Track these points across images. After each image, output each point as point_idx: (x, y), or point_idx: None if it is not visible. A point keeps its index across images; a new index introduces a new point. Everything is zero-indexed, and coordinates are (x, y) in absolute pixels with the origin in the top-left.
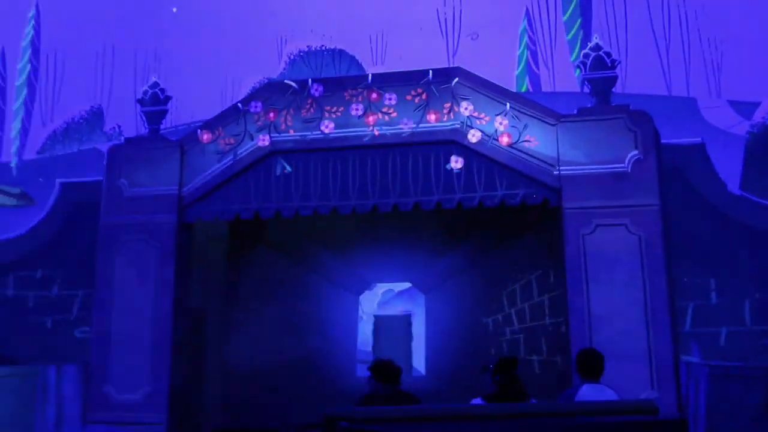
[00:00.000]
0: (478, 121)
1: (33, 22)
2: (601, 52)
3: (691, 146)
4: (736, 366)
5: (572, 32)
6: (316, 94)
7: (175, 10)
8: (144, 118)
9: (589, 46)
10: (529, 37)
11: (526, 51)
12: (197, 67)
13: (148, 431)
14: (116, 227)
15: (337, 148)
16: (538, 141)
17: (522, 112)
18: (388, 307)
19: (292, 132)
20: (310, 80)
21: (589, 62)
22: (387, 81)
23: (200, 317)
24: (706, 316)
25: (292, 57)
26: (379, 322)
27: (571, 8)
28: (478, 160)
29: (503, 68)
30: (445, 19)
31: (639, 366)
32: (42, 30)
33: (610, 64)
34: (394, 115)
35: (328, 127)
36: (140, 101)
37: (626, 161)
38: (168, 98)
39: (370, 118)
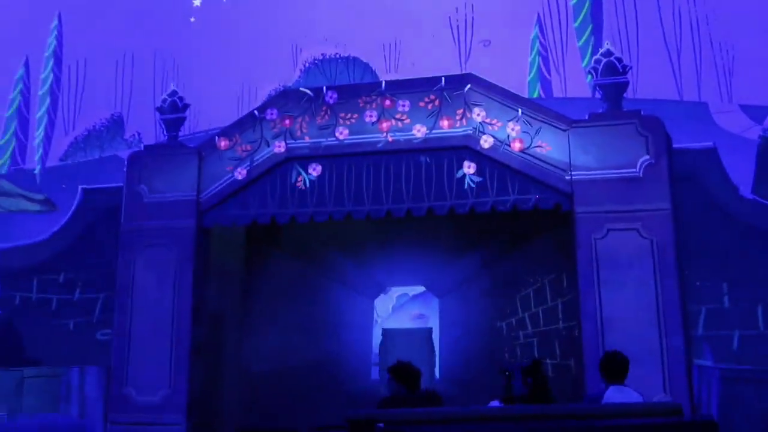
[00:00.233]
0: (490, 127)
1: (55, 32)
2: (612, 58)
3: (702, 150)
4: (748, 369)
5: (583, 38)
6: (331, 102)
7: (193, 20)
8: (163, 126)
9: (600, 52)
10: (541, 43)
11: (537, 57)
12: (214, 75)
13: None
14: (136, 232)
15: (351, 154)
16: (550, 146)
17: (534, 118)
18: (401, 313)
19: (307, 138)
20: (324, 88)
21: (600, 68)
22: (400, 88)
23: (218, 320)
24: (718, 320)
25: (306, 65)
26: (391, 337)
27: (582, 15)
28: (490, 166)
29: (515, 74)
30: (458, 27)
31: (651, 369)
32: (64, 41)
33: (621, 70)
34: (408, 121)
35: (342, 133)
36: (159, 109)
37: (638, 166)
38: (186, 106)
39: (384, 125)
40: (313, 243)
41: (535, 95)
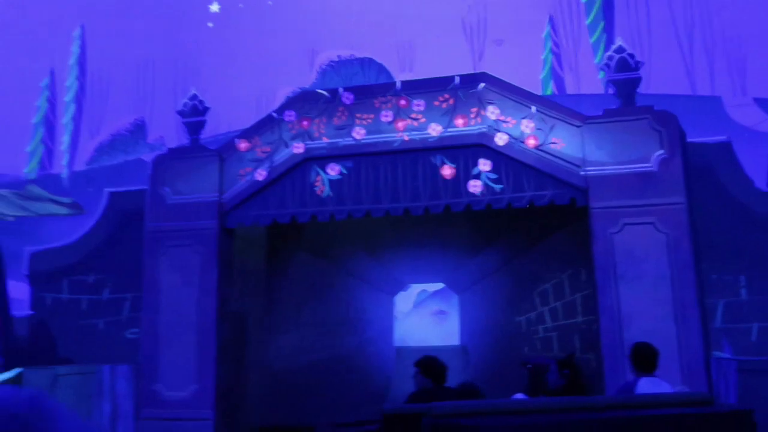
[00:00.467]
0: (504, 125)
1: (79, 41)
2: (624, 54)
3: (717, 144)
4: (766, 360)
5: (596, 35)
6: (347, 102)
7: (211, 25)
8: (185, 129)
9: (612, 48)
10: (553, 41)
11: (550, 55)
12: (233, 78)
13: (197, 426)
14: (161, 233)
15: (368, 154)
16: (564, 142)
17: (548, 115)
18: (421, 308)
19: (325, 139)
20: (340, 89)
21: (613, 64)
22: (415, 88)
23: (241, 318)
24: (736, 313)
25: (323, 67)
26: (408, 358)
27: (594, 12)
28: (505, 163)
29: (528, 72)
30: (471, 26)
31: (669, 362)
32: (87, 48)
33: (633, 66)
34: (423, 120)
35: (359, 133)
36: (180, 112)
37: (652, 161)
38: (206, 109)
39: (400, 124)
40: (333, 242)
41: (549, 92)
